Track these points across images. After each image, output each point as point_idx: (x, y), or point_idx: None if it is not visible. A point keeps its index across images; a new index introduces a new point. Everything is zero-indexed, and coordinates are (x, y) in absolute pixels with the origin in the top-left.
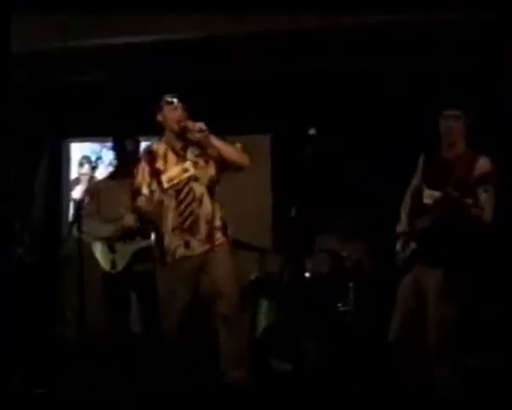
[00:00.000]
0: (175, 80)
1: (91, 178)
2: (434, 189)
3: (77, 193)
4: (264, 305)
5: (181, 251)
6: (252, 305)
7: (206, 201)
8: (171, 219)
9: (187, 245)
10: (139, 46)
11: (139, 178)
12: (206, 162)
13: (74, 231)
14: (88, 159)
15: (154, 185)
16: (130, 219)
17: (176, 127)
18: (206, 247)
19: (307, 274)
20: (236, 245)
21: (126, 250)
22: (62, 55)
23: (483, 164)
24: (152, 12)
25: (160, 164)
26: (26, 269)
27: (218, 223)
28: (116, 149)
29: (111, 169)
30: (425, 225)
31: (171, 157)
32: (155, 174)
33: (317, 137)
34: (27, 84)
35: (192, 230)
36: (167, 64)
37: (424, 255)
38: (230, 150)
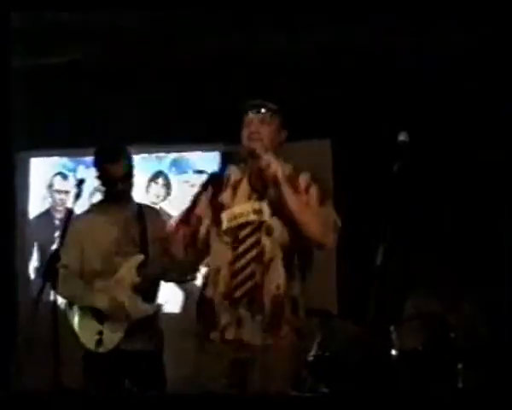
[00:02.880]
0: None
1: (69, 210)
2: None
3: (47, 234)
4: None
5: (232, 332)
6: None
7: (278, 269)
8: (222, 279)
9: (239, 323)
10: None
11: (196, 209)
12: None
13: (46, 293)
14: (64, 178)
15: (208, 222)
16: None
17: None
18: (268, 340)
19: (394, 351)
20: None
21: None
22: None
23: None
24: None
25: (226, 195)
26: None
27: (288, 310)
28: (100, 165)
29: (96, 198)
30: None
31: (245, 189)
32: (216, 208)
33: (409, 146)
34: None
35: (251, 304)
36: None
37: None
38: (310, 219)
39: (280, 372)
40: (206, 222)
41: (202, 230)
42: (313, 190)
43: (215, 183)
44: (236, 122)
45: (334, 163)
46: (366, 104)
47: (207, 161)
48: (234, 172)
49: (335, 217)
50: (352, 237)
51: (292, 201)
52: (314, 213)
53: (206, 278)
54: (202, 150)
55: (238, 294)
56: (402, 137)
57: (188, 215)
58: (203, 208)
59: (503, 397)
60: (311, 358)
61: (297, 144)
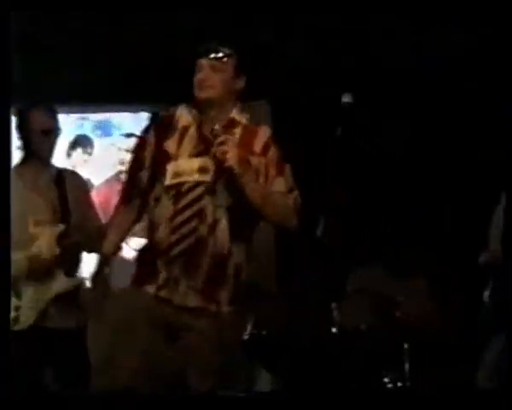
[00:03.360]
0: None
1: None
2: None
3: None
4: (264, 378)
5: (168, 290)
6: (245, 377)
7: (223, 231)
8: (161, 235)
9: (175, 283)
10: None
11: (138, 154)
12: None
13: None
14: None
15: (151, 172)
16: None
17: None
18: (201, 305)
19: (334, 329)
20: None
21: (41, 295)
22: None
23: None
24: None
25: (172, 142)
26: None
27: (230, 276)
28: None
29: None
30: None
31: (192, 138)
32: (160, 156)
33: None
34: None
35: (188, 268)
36: None
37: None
38: (271, 208)
39: (218, 343)
40: (148, 173)
41: (143, 180)
42: (272, 153)
43: (160, 126)
44: (167, 81)
45: (272, 126)
46: (308, 65)
47: (134, 123)
48: (182, 117)
49: (296, 194)
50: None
51: (250, 191)
52: (275, 201)
53: (147, 231)
54: (129, 111)
55: (175, 252)
56: (346, 98)
57: (131, 170)
58: (146, 156)
59: (452, 379)
60: (246, 337)
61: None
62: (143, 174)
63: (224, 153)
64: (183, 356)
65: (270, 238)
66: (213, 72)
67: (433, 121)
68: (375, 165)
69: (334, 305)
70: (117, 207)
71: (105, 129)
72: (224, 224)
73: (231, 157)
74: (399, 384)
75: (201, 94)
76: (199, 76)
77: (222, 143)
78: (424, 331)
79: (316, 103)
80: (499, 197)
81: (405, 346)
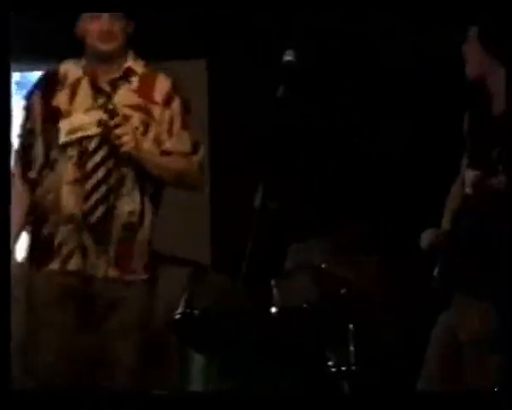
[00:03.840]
0: None
1: None
2: (478, 167)
3: None
4: (198, 360)
5: (76, 262)
6: (177, 361)
7: (131, 192)
8: (65, 201)
9: (84, 252)
10: None
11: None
12: (147, 126)
13: None
14: None
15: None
16: None
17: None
18: (114, 274)
19: (274, 309)
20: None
21: None
22: None
23: None
24: None
25: (62, 98)
26: None
27: (142, 247)
28: None
29: None
30: (463, 230)
31: (86, 92)
32: (52, 115)
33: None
34: None
35: (97, 233)
36: None
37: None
38: (177, 176)
39: (136, 315)
40: (41, 137)
41: (38, 148)
42: (177, 104)
43: (45, 86)
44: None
45: (209, 86)
46: (249, 22)
47: None
48: (70, 71)
49: (201, 153)
50: (227, 176)
51: (152, 168)
52: (177, 169)
53: (40, 200)
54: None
55: (84, 217)
56: (288, 57)
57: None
58: (35, 119)
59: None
60: (177, 316)
61: (170, 64)
62: (37, 145)
63: (120, 136)
64: (110, 336)
65: (203, 208)
66: (113, 21)
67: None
68: (320, 130)
69: (273, 282)
70: (16, 188)
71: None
72: (131, 186)
73: (128, 141)
74: (344, 368)
75: (105, 46)
76: (97, 27)
77: (117, 126)
78: (372, 312)
79: (258, 63)
80: (454, 176)
81: (351, 327)
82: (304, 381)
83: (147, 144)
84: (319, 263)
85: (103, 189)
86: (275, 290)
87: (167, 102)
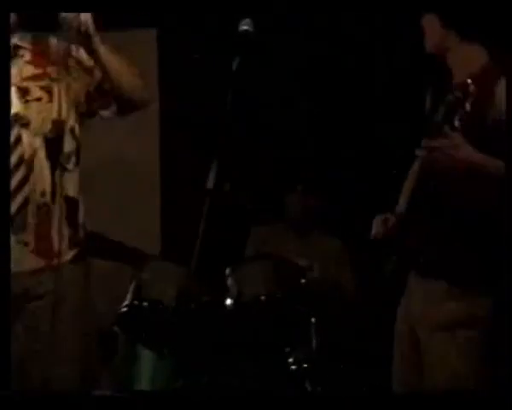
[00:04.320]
0: None
1: None
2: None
3: None
4: (146, 355)
5: None
6: (124, 354)
7: (42, 169)
8: None
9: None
10: None
11: None
12: (50, 93)
13: None
14: None
15: None
16: None
17: None
18: (40, 263)
19: (229, 300)
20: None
21: None
22: None
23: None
24: None
25: None
26: None
27: (60, 223)
28: None
29: None
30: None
31: None
32: None
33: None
34: None
35: (18, 221)
36: None
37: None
38: (125, 71)
39: (70, 310)
40: None
41: None
42: (82, 52)
43: None
44: None
45: (160, 57)
46: None
47: None
48: None
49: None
50: (178, 155)
51: (107, 60)
52: (128, 68)
53: None
54: None
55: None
56: (244, 26)
57: None
58: None
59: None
60: (124, 308)
61: (120, 33)
62: None
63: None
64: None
65: (153, 192)
66: None
67: None
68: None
69: (228, 271)
70: None
71: None
72: (42, 160)
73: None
74: (305, 366)
75: None
76: None
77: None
78: (335, 302)
79: (212, 34)
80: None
81: (313, 320)
82: (262, 379)
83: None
84: (278, 250)
85: (19, 171)
86: (230, 280)
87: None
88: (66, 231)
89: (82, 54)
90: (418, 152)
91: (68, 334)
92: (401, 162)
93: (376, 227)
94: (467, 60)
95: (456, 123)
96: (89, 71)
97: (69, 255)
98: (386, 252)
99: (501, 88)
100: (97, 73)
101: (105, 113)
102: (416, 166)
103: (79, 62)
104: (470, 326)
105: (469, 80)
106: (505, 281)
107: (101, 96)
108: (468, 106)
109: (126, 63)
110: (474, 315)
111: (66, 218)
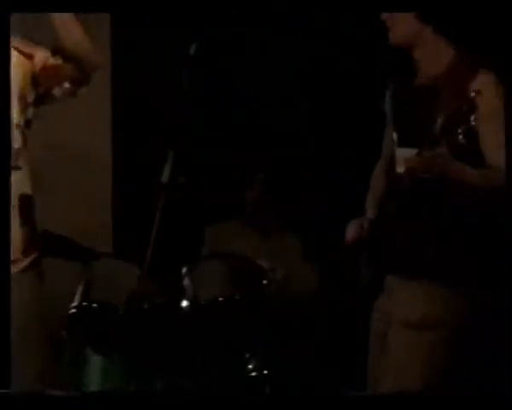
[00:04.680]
0: None
1: None
2: (410, 144)
3: None
4: (95, 359)
5: None
6: (72, 358)
7: None
8: None
9: None
10: None
11: None
12: None
13: None
14: None
15: None
16: None
17: None
18: None
19: (185, 302)
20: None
21: None
22: None
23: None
24: None
25: None
26: None
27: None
28: None
29: None
30: (395, 211)
31: None
32: None
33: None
34: None
35: None
36: None
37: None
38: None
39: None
40: None
41: None
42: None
43: None
44: None
45: (113, 42)
46: None
47: None
48: None
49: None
50: (131, 147)
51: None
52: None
53: None
54: None
55: None
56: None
57: None
58: None
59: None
60: (72, 310)
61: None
62: None
63: None
64: None
65: (104, 186)
66: None
67: None
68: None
69: (185, 270)
70: None
71: None
72: None
73: None
74: (265, 372)
75: None
76: None
77: None
78: (297, 304)
79: (168, 21)
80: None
81: (275, 323)
82: (219, 384)
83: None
84: (238, 249)
85: None
86: (186, 281)
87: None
88: (22, 233)
89: (19, 42)
90: (402, 166)
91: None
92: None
93: (351, 232)
94: (436, 54)
95: (460, 137)
96: (29, 56)
97: (26, 262)
98: (362, 255)
99: (475, 84)
100: (40, 54)
101: (58, 91)
102: (382, 170)
103: (18, 49)
104: (439, 328)
105: (473, 93)
106: (505, 281)
107: (50, 76)
108: (472, 119)
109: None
110: (445, 317)
111: (22, 217)
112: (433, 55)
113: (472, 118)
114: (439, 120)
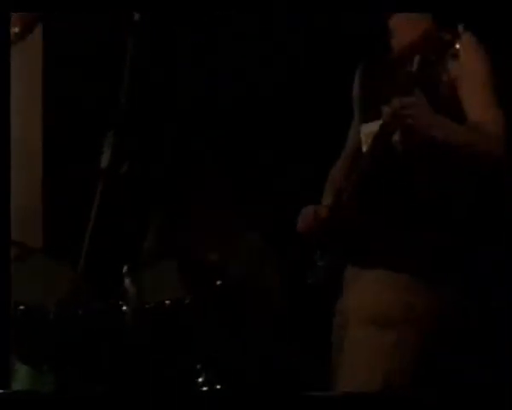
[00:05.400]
0: None
1: None
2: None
3: None
4: (22, 371)
5: None
6: None
7: None
8: None
9: None
10: None
11: None
12: None
13: None
14: None
15: None
16: None
17: None
18: None
19: (126, 307)
20: None
21: None
22: None
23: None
24: None
25: None
26: None
27: None
28: None
29: None
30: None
31: None
32: None
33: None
34: None
35: None
36: None
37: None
38: None
39: None
40: None
41: None
42: None
43: None
44: None
45: (44, 42)
46: None
47: None
48: None
49: None
50: (65, 133)
51: None
52: None
53: None
54: None
55: None
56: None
57: None
58: None
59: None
60: None
61: None
62: None
63: None
64: None
65: (34, 173)
66: None
67: None
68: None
69: (126, 269)
70: None
71: None
72: None
73: None
74: (218, 387)
75: None
76: None
77: None
78: (257, 307)
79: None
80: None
81: (228, 330)
82: (166, 401)
83: None
84: (187, 245)
85: None
86: (128, 282)
87: None
88: None
89: None
90: (367, 143)
91: None
92: None
93: (304, 220)
94: (411, 22)
95: (439, 86)
96: None
97: None
98: (317, 246)
99: (453, 52)
100: None
101: None
102: (346, 158)
103: None
104: (405, 323)
105: (449, 35)
106: (505, 281)
107: None
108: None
109: None
110: (413, 309)
111: None
112: (409, 22)
113: (451, 64)
114: (415, 65)
